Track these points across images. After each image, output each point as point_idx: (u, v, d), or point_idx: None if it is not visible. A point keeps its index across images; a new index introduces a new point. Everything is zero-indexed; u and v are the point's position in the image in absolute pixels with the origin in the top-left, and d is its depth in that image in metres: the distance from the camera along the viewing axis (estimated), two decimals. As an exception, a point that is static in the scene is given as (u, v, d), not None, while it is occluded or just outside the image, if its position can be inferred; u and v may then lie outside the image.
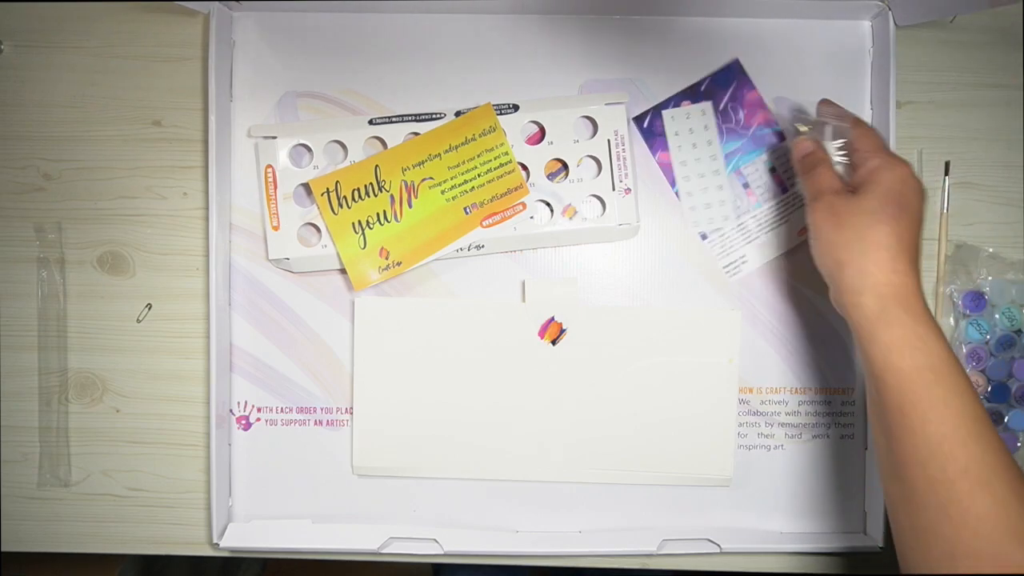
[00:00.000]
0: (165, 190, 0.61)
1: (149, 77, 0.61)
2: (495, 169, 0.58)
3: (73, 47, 0.61)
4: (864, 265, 0.46)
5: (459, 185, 0.58)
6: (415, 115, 0.59)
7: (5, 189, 0.61)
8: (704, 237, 0.60)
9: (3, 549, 0.61)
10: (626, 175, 0.58)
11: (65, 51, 0.61)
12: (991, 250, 0.61)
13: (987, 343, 0.60)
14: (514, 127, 0.58)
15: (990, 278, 0.60)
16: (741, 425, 0.60)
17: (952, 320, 0.61)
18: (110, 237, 0.61)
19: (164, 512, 0.61)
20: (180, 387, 0.61)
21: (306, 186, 0.59)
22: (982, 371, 0.60)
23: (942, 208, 0.61)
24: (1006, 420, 0.60)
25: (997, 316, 0.60)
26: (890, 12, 0.58)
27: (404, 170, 0.58)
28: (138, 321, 0.60)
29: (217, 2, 0.57)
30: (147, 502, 0.61)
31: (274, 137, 0.59)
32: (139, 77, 0.61)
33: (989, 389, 0.60)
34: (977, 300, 0.60)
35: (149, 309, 0.60)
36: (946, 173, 0.61)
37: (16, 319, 0.61)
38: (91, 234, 0.61)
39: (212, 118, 0.57)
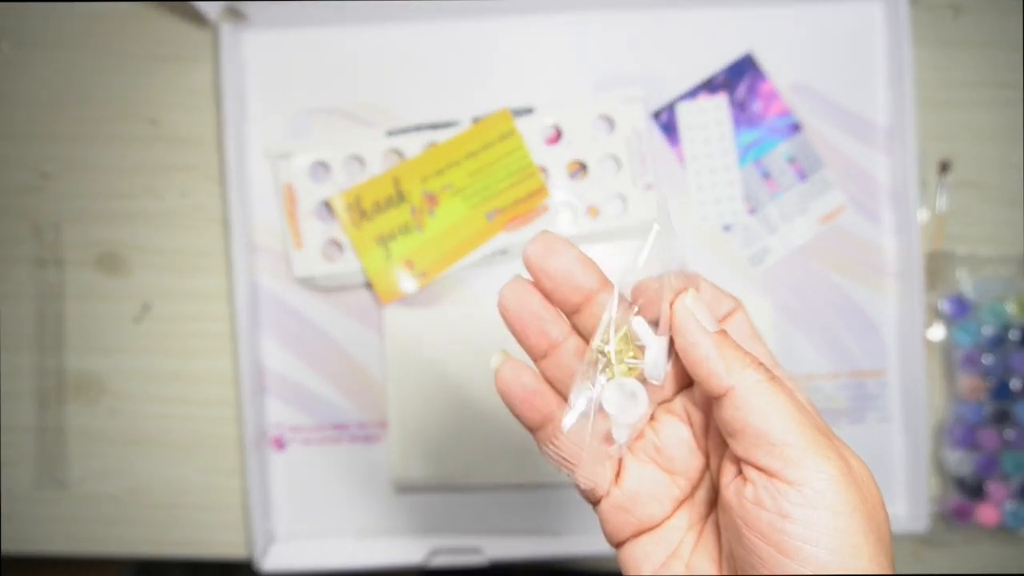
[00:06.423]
0: (163, 190, 0.60)
1: (148, 77, 0.60)
2: (515, 173, 0.58)
3: (73, 47, 0.60)
4: None
5: (480, 191, 0.58)
6: (432, 124, 0.58)
7: (3, 189, 0.60)
8: (727, 229, 0.60)
9: (1, 550, 0.60)
10: (646, 171, 0.58)
11: (65, 51, 0.60)
12: (963, 251, 0.60)
13: (979, 344, 0.59)
14: (531, 129, 0.58)
15: (969, 279, 0.59)
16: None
17: (943, 329, 0.60)
18: (108, 237, 0.60)
19: (162, 513, 0.60)
20: (178, 388, 0.60)
21: (326, 203, 0.58)
22: (980, 373, 0.59)
23: (937, 209, 0.60)
24: (1015, 415, 0.59)
25: (983, 315, 0.59)
26: None
27: (424, 180, 0.58)
28: (136, 322, 0.60)
29: (227, 23, 0.57)
30: (145, 503, 0.60)
31: (291, 155, 0.58)
32: (138, 77, 0.60)
33: (991, 388, 0.59)
34: (960, 304, 0.59)
35: (147, 310, 0.60)
36: (942, 172, 0.60)
37: (13, 319, 0.60)
38: (89, 234, 0.60)
39: (230, 143, 0.56)
